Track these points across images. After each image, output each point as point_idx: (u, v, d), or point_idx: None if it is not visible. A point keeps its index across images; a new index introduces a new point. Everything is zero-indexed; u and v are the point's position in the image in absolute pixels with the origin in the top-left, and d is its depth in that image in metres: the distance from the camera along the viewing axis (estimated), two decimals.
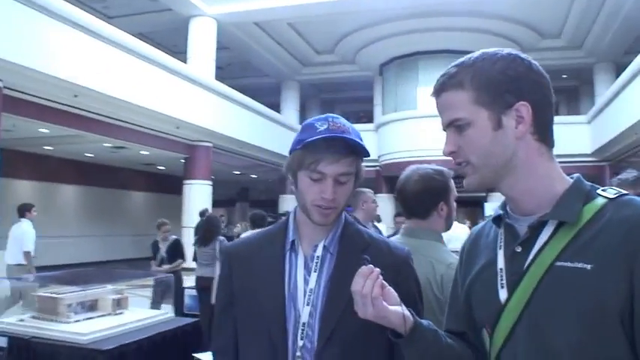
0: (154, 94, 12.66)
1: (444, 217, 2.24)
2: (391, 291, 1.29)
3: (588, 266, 1.10)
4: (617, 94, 15.45)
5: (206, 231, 7.24)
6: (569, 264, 1.13)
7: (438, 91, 1.28)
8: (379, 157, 20.69)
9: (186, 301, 7.23)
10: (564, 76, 22.93)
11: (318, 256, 1.55)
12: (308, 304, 1.49)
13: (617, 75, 17.98)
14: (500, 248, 1.28)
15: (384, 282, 1.28)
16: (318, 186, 1.49)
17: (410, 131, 19.36)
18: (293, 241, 1.57)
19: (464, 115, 1.23)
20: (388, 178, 21.32)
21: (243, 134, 16.99)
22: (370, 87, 22.79)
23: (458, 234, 11.95)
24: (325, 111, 27.26)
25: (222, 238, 7.40)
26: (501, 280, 1.24)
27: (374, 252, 1.50)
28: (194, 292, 7.20)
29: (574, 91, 24.85)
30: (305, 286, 1.52)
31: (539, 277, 1.16)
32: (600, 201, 1.18)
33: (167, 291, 7.67)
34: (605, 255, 1.09)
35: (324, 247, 1.56)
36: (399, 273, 1.53)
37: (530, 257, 1.19)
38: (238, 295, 1.58)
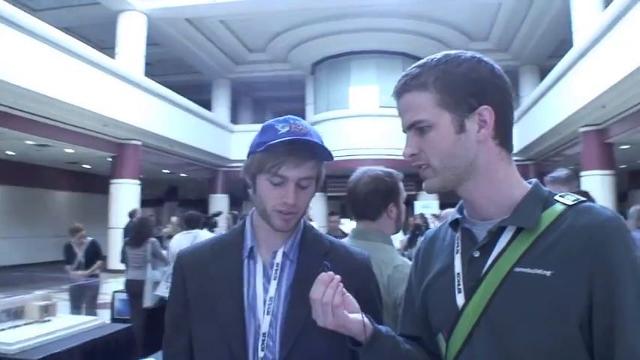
0: (81, 91, 12.23)
1: (393, 219, 2.23)
2: (350, 298, 1.26)
3: (548, 272, 1.10)
4: (542, 96, 16.05)
5: (137, 232, 6.98)
6: (528, 270, 1.12)
7: (400, 92, 1.25)
8: None
9: (117, 305, 6.96)
10: None
11: (277, 263, 1.49)
12: (268, 314, 1.43)
13: (542, 77, 18.65)
14: (457, 253, 1.27)
15: (343, 289, 1.24)
16: (279, 190, 1.43)
17: (342, 130, 19.48)
18: (251, 248, 1.51)
19: (426, 117, 1.20)
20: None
21: (173, 132, 16.67)
22: (302, 86, 22.79)
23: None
24: (257, 109, 27.24)
25: (153, 239, 7.16)
26: (458, 285, 1.23)
27: (334, 257, 1.47)
28: (124, 295, 6.94)
29: None
30: (264, 295, 1.45)
31: (497, 283, 1.15)
32: (559, 207, 1.18)
33: (93, 296, 7.43)
34: (564, 261, 1.10)
35: (284, 253, 1.50)
36: (360, 278, 1.49)
37: (489, 262, 1.18)
38: (193, 304, 1.49)
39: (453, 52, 1.24)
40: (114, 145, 15.23)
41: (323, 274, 1.25)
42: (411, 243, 14.93)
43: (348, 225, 12.98)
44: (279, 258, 1.49)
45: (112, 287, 9.71)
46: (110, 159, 15.60)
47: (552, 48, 19.42)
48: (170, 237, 10.01)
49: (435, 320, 1.29)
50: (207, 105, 21.18)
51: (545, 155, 18.51)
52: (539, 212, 1.17)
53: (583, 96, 12.12)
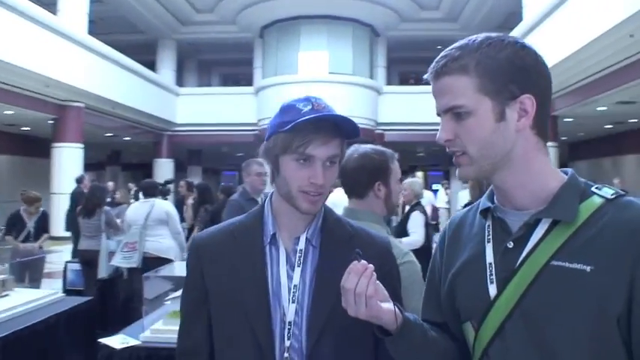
0: (20, 49, 11.62)
1: (382, 199, 2.19)
2: (381, 287, 1.22)
3: (587, 268, 1.08)
4: None
5: (89, 201, 6.67)
6: (566, 264, 1.11)
7: (438, 74, 1.20)
8: (259, 120, 20.53)
9: (69, 276, 6.70)
10: (439, 47, 23.59)
11: (301, 250, 1.44)
12: (293, 302, 1.40)
13: None
14: (488, 242, 1.24)
15: (375, 278, 1.21)
16: (306, 170, 1.38)
17: (290, 96, 19.06)
18: (274, 234, 1.46)
19: (465, 102, 1.16)
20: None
21: (117, 94, 16.14)
22: (250, 49, 22.42)
23: (334, 200, 12.15)
24: (203, 73, 26.69)
25: (107, 208, 6.91)
26: (491, 275, 1.20)
27: (358, 243, 1.42)
28: (77, 266, 6.67)
29: None
30: (289, 282, 1.42)
31: (533, 275, 1.14)
32: (597, 200, 1.15)
33: (39, 269, 7.10)
34: (605, 257, 1.08)
35: (307, 239, 1.46)
36: (384, 264, 1.44)
37: (524, 254, 1.17)
38: (214, 292, 1.45)
39: (495, 35, 1.19)
40: (55, 106, 14.63)
41: (356, 262, 1.20)
42: None
43: (336, 193, 12.88)
44: (302, 244, 1.45)
45: (57, 257, 9.40)
46: (51, 121, 15.00)
47: (501, 20, 19.69)
48: (119, 204, 9.74)
49: (463, 309, 1.27)
50: (151, 66, 20.61)
51: None
52: (577, 204, 1.15)
53: None
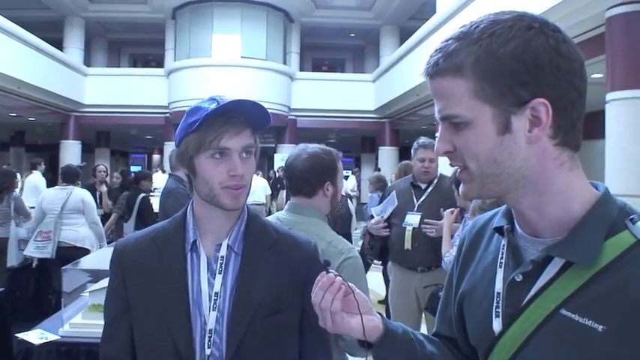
0: None
1: (329, 197, 2.27)
2: (357, 298, 1.13)
3: (599, 327, 0.89)
4: (402, 57, 16.71)
5: None
6: (576, 317, 0.92)
7: (430, 74, 1.01)
8: (169, 104, 20.15)
9: None
10: (352, 35, 24.13)
11: (222, 257, 1.44)
12: (214, 310, 1.40)
13: (401, 38, 19.33)
14: (500, 267, 1.07)
15: (350, 287, 1.14)
16: (223, 164, 1.39)
17: (204, 79, 19.06)
18: (194, 241, 1.46)
19: (461, 112, 0.97)
20: (178, 126, 20.92)
21: (21, 73, 15.38)
22: (162, 30, 21.83)
23: (255, 186, 12.28)
24: (112, 53, 25.79)
25: (17, 194, 6.70)
26: (497, 307, 1.05)
27: (282, 248, 1.47)
28: None
29: (360, 50, 26.19)
30: (210, 290, 1.42)
31: (539, 321, 0.97)
32: (628, 238, 0.92)
33: None
34: (623, 317, 0.88)
35: (228, 246, 1.46)
36: (310, 268, 1.41)
37: (532, 293, 0.99)
38: (135, 301, 1.45)
39: (505, 16, 0.96)
40: None
41: (323, 275, 1.15)
42: (272, 196, 15.15)
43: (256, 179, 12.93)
44: (223, 251, 1.45)
45: None
46: None
47: (414, 10, 20.16)
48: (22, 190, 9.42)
49: (471, 336, 1.15)
50: (58, 45, 19.72)
51: (401, 114, 19.38)
52: (601, 242, 0.93)
53: None
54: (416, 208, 4.23)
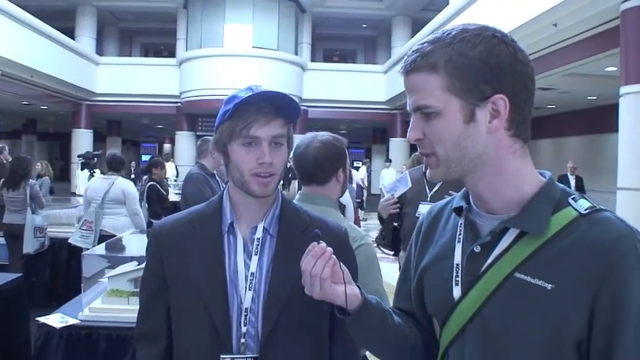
0: None
1: (340, 183, 2.30)
2: (341, 269, 1.25)
3: (549, 286, 1.04)
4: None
5: (13, 174, 6.48)
6: (529, 279, 1.07)
7: (407, 70, 1.14)
8: (181, 93, 20.25)
9: None
10: (364, 25, 24.10)
11: (258, 238, 1.49)
12: (250, 289, 1.45)
13: (414, 29, 19.29)
14: (458, 242, 1.22)
15: (335, 259, 1.24)
16: (253, 152, 1.44)
17: (214, 69, 19.13)
18: (231, 223, 1.51)
19: (433, 102, 1.11)
20: (189, 116, 21.01)
21: (35, 61, 15.49)
22: (174, 20, 21.91)
23: None
24: (124, 42, 25.85)
25: (33, 182, 6.74)
26: (457, 276, 1.19)
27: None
28: (1, 240, 6.54)
29: (372, 41, 26.19)
30: (246, 271, 1.47)
31: (495, 284, 1.11)
32: (571, 213, 1.09)
33: None
34: (569, 277, 1.03)
35: (264, 228, 1.51)
36: (341, 253, 1.39)
37: (489, 261, 1.13)
38: (173, 280, 1.50)
39: (473, 27, 1.12)
40: None
41: (315, 245, 1.24)
42: (284, 186, 15.18)
43: None
44: (259, 233, 1.50)
45: None
46: None
47: (426, 1, 20.15)
48: (40, 176, 9.51)
49: (430, 305, 1.28)
50: (70, 34, 19.81)
51: None
52: (549, 216, 1.09)
53: None
54: (429, 199, 4.24)
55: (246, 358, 1.44)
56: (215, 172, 5.22)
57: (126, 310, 2.96)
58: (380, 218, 4.45)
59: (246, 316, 1.45)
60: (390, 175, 18.35)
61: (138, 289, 2.98)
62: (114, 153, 6.63)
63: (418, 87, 1.13)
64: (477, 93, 1.09)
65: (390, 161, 19.62)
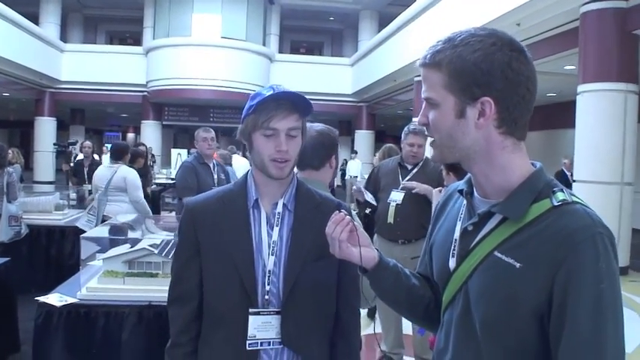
0: None
1: (332, 169, 2.57)
2: (361, 234, 1.47)
3: (517, 265, 1.19)
4: (382, 42, 16.99)
5: None
6: (503, 257, 1.22)
7: (423, 64, 1.31)
8: (147, 82, 20.20)
9: None
10: (331, 18, 24.30)
11: (279, 213, 1.75)
12: (272, 255, 1.72)
13: (380, 23, 19.52)
14: (459, 220, 1.38)
15: (355, 225, 1.47)
16: (272, 142, 1.67)
17: (182, 59, 19.14)
18: (256, 200, 1.76)
19: (434, 96, 1.27)
20: (156, 105, 20.95)
21: None
22: (140, 7, 21.78)
23: (238, 166, 12.44)
24: (89, 29, 25.40)
25: (10, 169, 6.76)
26: (453, 250, 1.36)
27: (325, 208, 1.76)
28: None
29: (339, 33, 26.47)
30: (268, 239, 1.73)
31: (479, 260, 1.28)
32: (547, 203, 1.22)
33: None
34: (534, 258, 1.18)
35: (284, 204, 1.77)
36: None
37: (477, 239, 1.30)
38: (206, 247, 1.74)
39: (481, 32, 1.26)
40: None
41: (337, 213, 1.49)
42: None
43: (236, 159, 13.12)
44: (279, 208, 1.76)
45: None
46: None
47: None
48: (10, 164, 9.48)
49: (435, 273, 1.47)
50: (34, 20, 19.52)
51: (378, 99, 19.69)
52: (528, 205, 1.23)
53: (422, 47, 13.00)
54: (400, 187, 4.55)
55: (270, 311, 1.71)
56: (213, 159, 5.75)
57: (122, 290, 3.20)
58: (357, 201, 4.83)
59: (269, 277, 1.71)
60: (356, 166, 18.67)
61: (132, 270, 3.26)
62: (117, 142, 6.76)
63: (426, 80, 1.30)
64: (468, 93, 1.23)
65: (356, 152, 19.93)
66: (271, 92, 1.67)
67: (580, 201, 1.23)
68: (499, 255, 1.23)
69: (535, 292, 1.16)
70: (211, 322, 1.76)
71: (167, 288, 2.88)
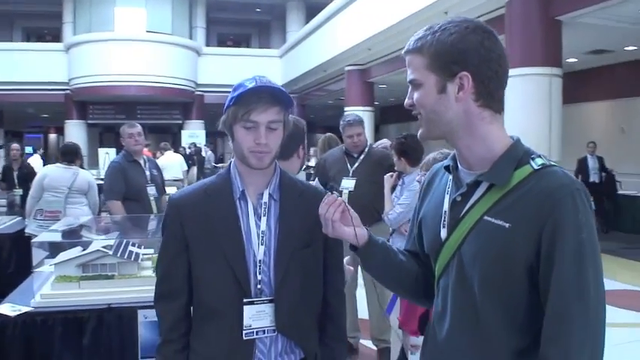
0: None
1: (300, 159, 2.64)
2: (353, 214, 1.56)
3: (507, 225, 1.31)
4: (310, 33, 17.03)
5: None
6: (493, 220, 1.34)
7: (407, 51, 1.46)
8: (70, 80, 19.56)
9: None
10: (258, 10, 24.16)
11: (265, 202, 1.78)
12: (262, 244, 1.75)
13: (308, 14, 19.54)
14: (447, 193, 1.49)
15: (347, 207, 1.56)
16: (252, 134, 1.68)
17: (105, 54, 18.64)
18: (243, 191, 1.77)
19: (418, 77, 1.42)
20: (80, 103, 20.35)
21: None
22: (59, 2, 21.00)
23: (164, 163, 12.23)
24: (3, 26, 24.50)
25: None
26: (444, 221, 1.47)
27: (308, 196, 1.81)
28: None
29: (266, 25, 26.34)
30: (257, 230, 1.75)
31: (470, 226, 1.39)
32: (528, 169, 1.35)
33: None
34: (522, 217, 1.30)
35: (269, 194, 1.79)
36: None
37: (466, 208, 1.41)
38: (195, 241, 1.74)
39: (457, 19, 1.41)
40: None
41: (329, 194, 1.57)
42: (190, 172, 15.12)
43: (166, 156, 12.90)
44: (266, 197, 1.78)
45: None
46: None
47: None
48: None
49: (426, 246, 1.58)
50: None
51: (309, 89, 19.76)
52: (511, 171, 1.36)
53: (352, 38, 13.27)
54: (351, 174, 4.67)
55: (263, 300, 1.74)
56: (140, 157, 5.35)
57: (78, 294, 3.07)
58: None
59: (260, 266, 1.74)
60: None
61: (87, 274, 3.15)
62: (67, 143, 6.48)
63: (410, 64, 1.44)
64: (447, 71, 1.38)
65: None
66: (253, 84, 1.67)
67: (556, 164, 1.38)
68: (489, 219, 1.35)
69: (525, 247, 1.29)
70: (203, 316, 1.77)
71: (125, 289, 2.86)
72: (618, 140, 11.63)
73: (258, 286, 1.74)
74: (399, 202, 4.16)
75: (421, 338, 2.65)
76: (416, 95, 1.44)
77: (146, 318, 2.90)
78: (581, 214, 1.28)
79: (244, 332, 1.72)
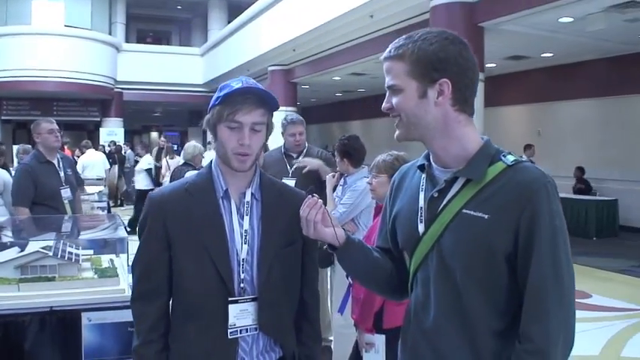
0: None
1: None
2: (330, 216, 1.64)
3: (486, 216, 1.40)
4: (233, 32, 17.10)
5: None
6: (472, 212, 1.43)
7: (386, 57, 1.52)
8: None
9: None
10: (179, 7, 23.93)
11: (247, 202, 1.77)
12: (245, 243, 1.75)
13: (230, 12, 19.51)
14: (422, 190, 1.57)
15: (326, 210, 1.63)
16: (236, 135, 1.68)
17: (23, 48, 18.02)
18: (226, 190, 1.77)
19: (399, 82, 1.48)
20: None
21: None
22: None
23: (84, 161, 12.01)
24: None
25: None
26: (421, 216, 1.54)
27: (287, 195, 1.86)
28: None
29: (187, 23, 26.09)
30: (240, 229, 1.75)
31: (449, 220, 1.47)
32: (501, 165, 1.45)
33: None
34: (500, 208, 1.40)
35: (252, 194, 1.79)
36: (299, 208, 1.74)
37: (444, 202, 1.49)
38: (178, 241, 1.73)
39: (435, 30, 1.50)
40: None
41: (310, 197, 1.63)
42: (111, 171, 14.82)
43: (88, 154, 12.53)
44: (248, 197, 1.78)
45: None
46: None
47: None
48: None
49: (401, 241, 1.66)
50: None
51: None
52: (486, 167, 1.45)
53: (276, 38, 13.45)
54: (290, 174, 4.75)
55: (247, 299, 1.75)
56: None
57: (18, 297, 2.89)
58: None
59: (243, 265, 1.75)
60: (212, 157, 18.63)
61: (26, 276, 3.00)
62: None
63: (390, 71, 1.51)
64: (428, 77, 1.46)
65: (210, 143, 19.85)
66: (240, 85, 1.69)
67: (527, 160, 1.55)
68: (468, 211, 1.44)
69: (504, 235, 1.40)
70: (184, 316, 1.77)
71: (68, 291, 2.77)
72: (535, 142, 12.25)
73: (242, 285, 1.74)
74: (342, 201, 4.19)
75: (376, 336, 2.87)
76: (395, 100, 1.51)
77: (90, 321, 2.85)
78: (554, 203, 1.40)
79: (229, 331, 1.72)
